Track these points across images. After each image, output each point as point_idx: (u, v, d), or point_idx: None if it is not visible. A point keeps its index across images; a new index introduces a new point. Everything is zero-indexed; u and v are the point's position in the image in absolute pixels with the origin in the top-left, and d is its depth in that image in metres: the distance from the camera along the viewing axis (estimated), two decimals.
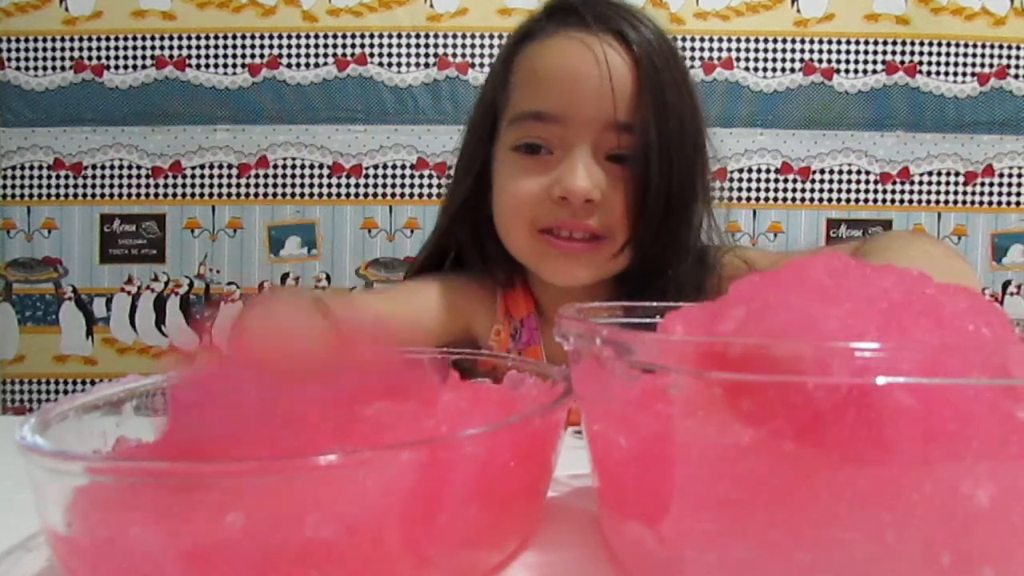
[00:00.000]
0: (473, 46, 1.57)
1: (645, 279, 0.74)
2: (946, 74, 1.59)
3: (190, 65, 1.56)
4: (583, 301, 0.75)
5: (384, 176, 1.58)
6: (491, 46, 1.56)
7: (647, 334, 0.34)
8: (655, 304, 0.46)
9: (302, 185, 1.58)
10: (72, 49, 1.56)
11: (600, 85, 0.67)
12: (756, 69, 1.59)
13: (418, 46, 1.56)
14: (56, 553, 0.31)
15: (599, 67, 0.67)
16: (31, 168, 1.57)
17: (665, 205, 0.69)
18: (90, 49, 1.56)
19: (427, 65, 1.57)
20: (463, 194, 0.78)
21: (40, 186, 1.57)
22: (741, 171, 1.60)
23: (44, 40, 1.55)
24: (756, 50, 1.59)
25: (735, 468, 0.28)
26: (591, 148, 0.69)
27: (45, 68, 1.56)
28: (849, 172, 1.61)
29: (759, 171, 1.60)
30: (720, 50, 1.59)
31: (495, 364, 0.50)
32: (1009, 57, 1.59)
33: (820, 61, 1.59)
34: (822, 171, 1.61)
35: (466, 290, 0.81)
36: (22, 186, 1.57)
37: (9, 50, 1.55)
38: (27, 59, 1.55)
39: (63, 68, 1.56)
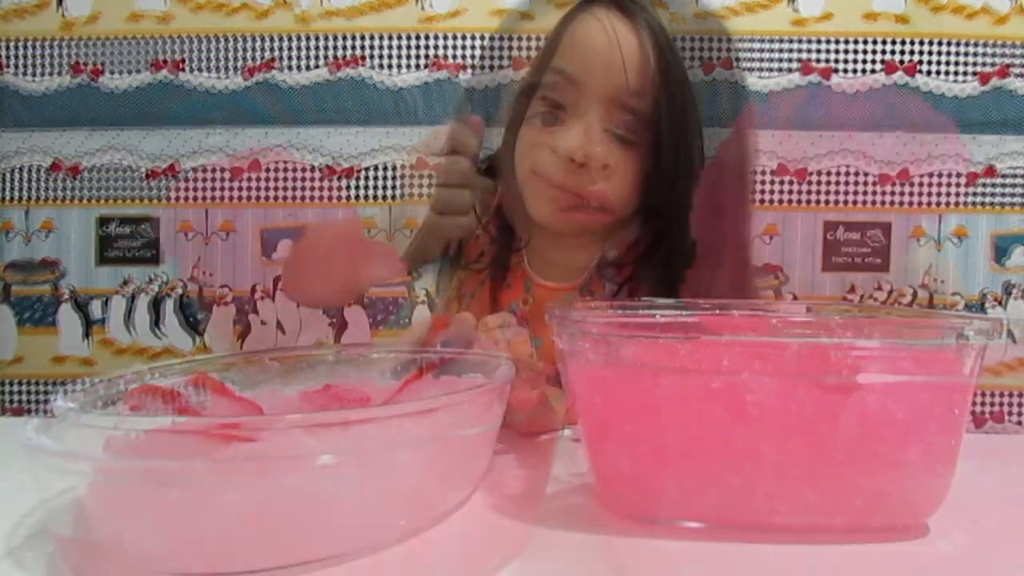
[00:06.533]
0: (467, 48, 1.56)
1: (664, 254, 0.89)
2: (947, 74, 1.57)
3: (185, 68, 1.56)
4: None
5: (378, 178, 1.58)
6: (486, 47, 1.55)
7: (638, 334, 0.35)
8: (654, 302, 0.47)
9: (295, 188, 1.58)
10: (70, 52, 1.56)
11: (611, 56, 0.80)
12: (753, 69, 1.57)
13: (412, 47, 1.56)
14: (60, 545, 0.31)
15: (609, 40, 0.81)
16: (29, 170, 1.58)
17: (673, 173, 0.83)
18: (87, 52, 1.57)
19: (421, 67, 1.56)
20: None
21: (38, 188, 1.59)
22: None
23: (42, 43, 1.56)
24: (753, 50, 1.57)
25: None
26: (599, 119, 0.81)
27: (43, 71, 1.57)
28: (847, 173, 1.59)
29: (754, 172, 1.58)
30: (720, 50, 1.58)
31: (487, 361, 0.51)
32: (1011, 56, 1.56)
33: (818, 60, 1.57)
34: (819, 172, 1.59)
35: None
36: (20, 188, 1.58)
37: (8, 55, 1.56)
38: (25, 63, 1.56)
39: (60, 72, 1.57)
